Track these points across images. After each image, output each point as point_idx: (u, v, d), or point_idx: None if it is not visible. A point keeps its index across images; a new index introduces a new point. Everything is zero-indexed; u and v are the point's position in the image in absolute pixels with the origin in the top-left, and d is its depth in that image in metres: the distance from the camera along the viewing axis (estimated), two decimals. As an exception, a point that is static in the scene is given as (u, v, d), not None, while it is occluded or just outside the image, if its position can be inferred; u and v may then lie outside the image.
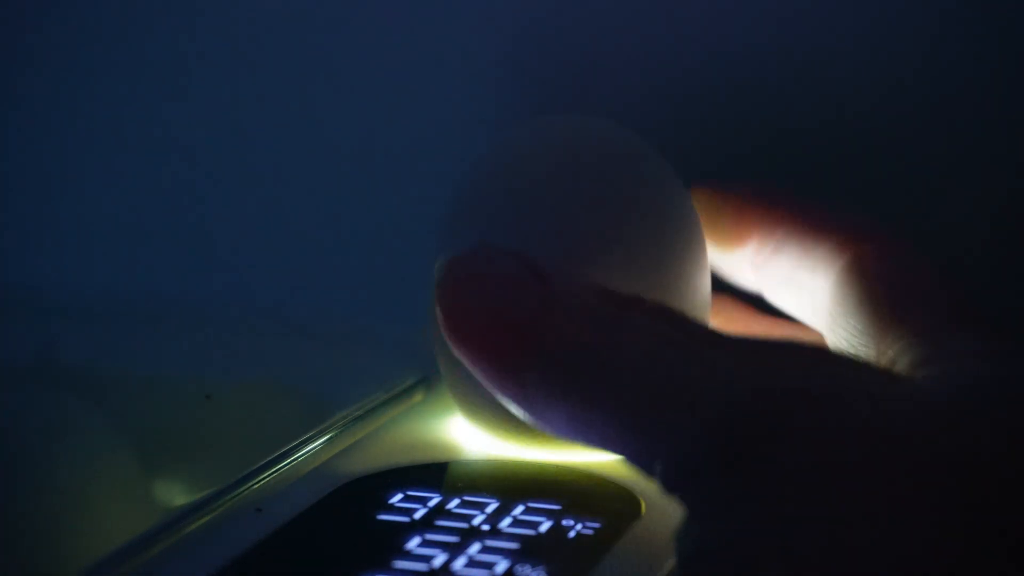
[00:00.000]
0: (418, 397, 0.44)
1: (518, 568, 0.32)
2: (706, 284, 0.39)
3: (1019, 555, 0.28)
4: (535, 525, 0.34)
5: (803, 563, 0.28)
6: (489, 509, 0.35)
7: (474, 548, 0.33)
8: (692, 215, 0.39)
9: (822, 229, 0.39)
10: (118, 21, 0.55)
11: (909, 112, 0.47)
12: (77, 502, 0.36)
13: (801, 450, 0.29)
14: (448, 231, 0.39)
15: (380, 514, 0.35)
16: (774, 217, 0.41)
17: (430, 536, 0.33)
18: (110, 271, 0.57)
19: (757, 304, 0.43)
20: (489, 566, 0.32)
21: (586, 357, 0.32)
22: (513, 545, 0.33)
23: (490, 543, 0.33)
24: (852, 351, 0.36)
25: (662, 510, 0.35)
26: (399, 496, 0.36)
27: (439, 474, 0.38)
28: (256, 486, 0.37)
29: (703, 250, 0.39)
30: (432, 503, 0.35)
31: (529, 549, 0.33)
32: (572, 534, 0.34)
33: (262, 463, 0.38)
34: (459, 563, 0.32)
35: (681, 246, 0.38)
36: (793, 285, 0.40)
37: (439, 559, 0.32)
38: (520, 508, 0.35)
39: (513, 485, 0.36)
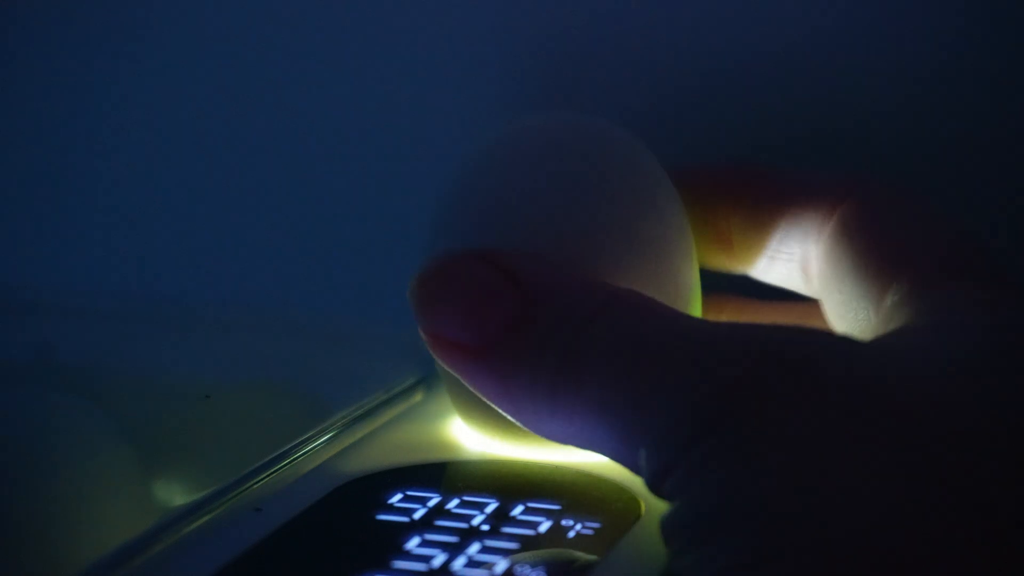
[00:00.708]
0: (418, 397, 0.44)
1: (518, 568, 0.32)
2: (694, 273, 0.39)
3: (998, 512, 0.28)
4: (535, 525, 0.34)
5: (789, 523, 0.28)
6: (489, 509, 0.35)
7: (474, 548, 0.33)
8: (678, 205, 0.39)
9: (805, 195, 0.39)
10: (117, 21, 0.55)
11: (908, 111, 0.47)
12: (77, 502, 0.36)
13: (780, 414, 0.29)
14: (435, 229, 0.39)
15: (380, 514, 0.35)
16: (755, 190, 0.40)
17: (430, 536, 0.33)
18: (110, 271, 0.57)
19: (750, 292, 0.43)
20: (489, 566, 0.32)
21: (566, 354, 0.32)
22: (513, 545, 0.33)
23: (490, 543, 0.33)
24: (852, 314, 0.36)
25: (662, 510, 0.35)
26: (399, 496, 0.36)
27: (439, 474, 0.38)
28: (256, 486, 0.37)
29: (690, 240, 0.39)
30: (432, 503, 0.35)
31: (529, 549, 0.33)
32: (572, 534, 0.34)
33: (262, 463, 0.38)
34: (459, 563, 0.32)
35: (669, 236, 0.38)
36: (781, 257, 0.40)
37: (439, 559, 0.32)
38: (520, 508, 0.35)
39: (513, 485, 0.36)
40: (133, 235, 0.56)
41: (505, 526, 0.34)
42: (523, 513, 0.35)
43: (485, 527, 0.34)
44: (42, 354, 0.48)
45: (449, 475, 0.37)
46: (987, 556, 0.28)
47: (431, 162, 0.51)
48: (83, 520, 0.35)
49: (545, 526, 0.34)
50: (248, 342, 0.50)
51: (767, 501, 0.28)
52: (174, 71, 0.54)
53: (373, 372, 0.46)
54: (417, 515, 0.35)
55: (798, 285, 0.40)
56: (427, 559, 0.32)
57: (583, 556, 0.33)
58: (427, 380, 0.44)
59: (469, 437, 0.40)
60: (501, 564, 0.32)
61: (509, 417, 0.34)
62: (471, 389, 0.34)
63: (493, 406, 0.34)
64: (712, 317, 0.43)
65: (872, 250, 0.36)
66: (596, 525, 0.34)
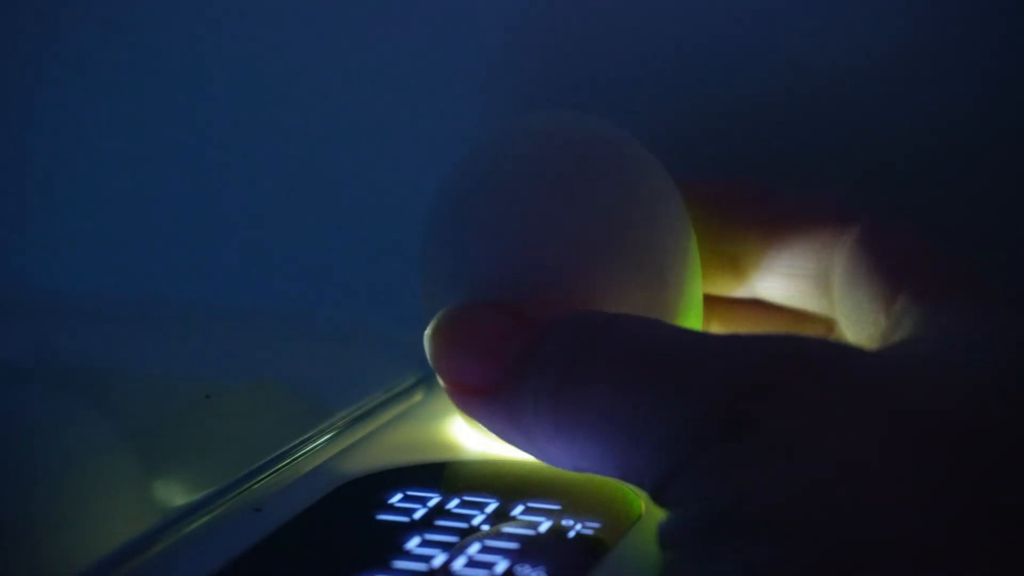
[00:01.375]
0: (418, 397, 0.44)
1: (518, 568, 0.32)
2: (697, 277, 0.39)
3: (1004, 517, 0.28)
4: (535, 525, 0.34)
5: (803, 520, 0.28)
6: (489, 509, 0.35)
7: (474, 548, 0.33)
8: (680, 208, 0.39)
9: (818, 213, 0.40)
10: (117, 21, 0.55)
11: (907, 109, 0.47)
12: (77, 502, 0.36)
13: (794, 420, 0.29)
14: (431, 231, 0.39)
15: (380, 514, 0.35)
16: (767, 208, 0.41)
17: (430, 536, 0.33)
18: (110, 271, 0.57)
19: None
20: (489, 566, 0.32)
21: (567, 370, 0.32)
22: (513, 545, 0.33)
23: (490, 543, 0.33)
24: (864, 318, 0.37)
25: (662, 510, 0.35)
26: (399, 496, 0.36)
27: (439, 474, 0.38)
28: (256, 486, 0.37)
29: (692, 241, 0.39)
30: (432, 503, 0.35)
31: (529, 549, 0.33)
32: (572, 534, 0.34)
33: (262, 463, 0.38)
34: (459, 563, 0.32)
35: (670, 238, 0.38)
36: (791, 273, 0.40)
37: (439, 559, 0.32)
38: (520, 508, 0.35)
39: (513, 485, 0.36)
40: (133, 235, 0.56)
41: (506, 526, 0.34)
42: (523, 513, 0.35)
43: (486, 527, 0.34)
44: (42, 354, 0.48)
45: (449, 475, 0.37)
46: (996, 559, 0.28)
47: (432, 163, 0.51)
48: (83, 520, 0.35)
49: (545, 526, 0.34)
50: (248, 342, 0.50)
51: (785, 507, 0.28)
52: (174, 72, 0.54)
53: (373, 372, 0.46)
54: (417, 515, 0.35)
55: (812, 301, 0.40)
56: (427, 559, 0.32)
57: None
58: (427, 380, 0.44)
59: (469, 437, 0.40)
60: (501, 564, 0.32)
61: (522, 450, 0.34)
62: (489, 431, 0.34)
63: (514, 446, 0.34)
64: (723, 326, 0.43)
65: (886, 262, 0.37)
66: (596, 525, 0.34)
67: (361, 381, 0.44)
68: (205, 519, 0.35)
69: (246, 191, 0.55)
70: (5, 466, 0.37)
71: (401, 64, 0.52)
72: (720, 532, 0.29)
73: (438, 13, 0.51)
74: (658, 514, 0.35)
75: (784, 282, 0.41)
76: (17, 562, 0.33)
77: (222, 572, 0.32)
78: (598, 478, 0.37)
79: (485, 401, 0.34)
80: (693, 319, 0.39)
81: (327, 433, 0.40)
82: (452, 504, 0.35)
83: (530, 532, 0.34)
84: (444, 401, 0.42)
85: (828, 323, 0.40)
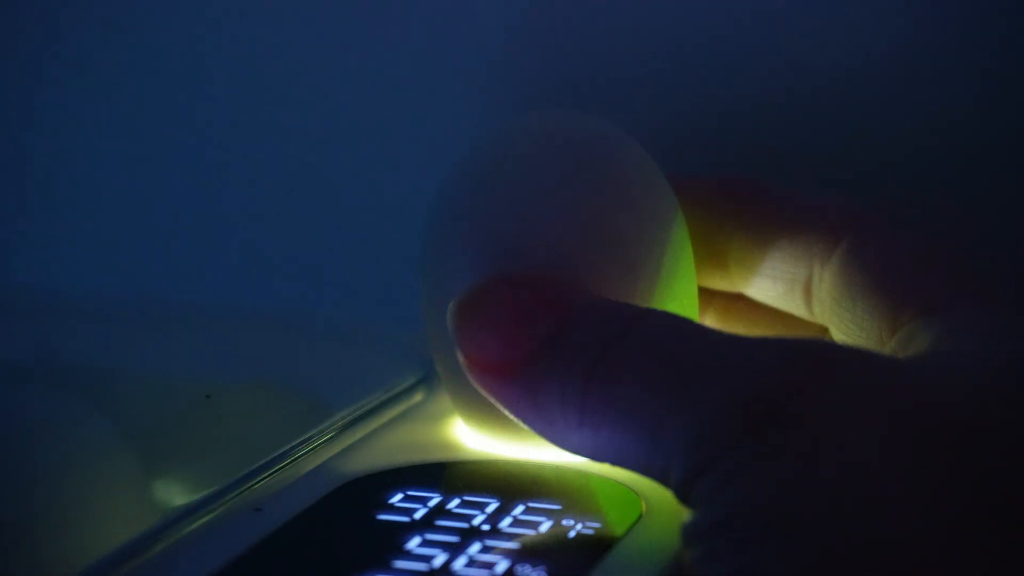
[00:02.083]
0: (418, 397, 0.44)
1: (518, 568, 0.32)
2: (692, 276, 0.39)
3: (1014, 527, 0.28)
4: (535, 525, 0.34)
5: (828, 520, 0.28)
6: (489, 509, 0.35)
7: (474, 548, 0.33)
8: (676, 209, 0.39)
9: (810, 215, 0.40)
10: (116, 22, 0.55)
11: (907, 109, 0.47)
12: (77, 502, 0.36)
13: (825, 411, 0.29)
14: (430, 231, 0.39)
15: (380, 514, 0.35)
16: (758, 207, 0.41)
17: (430, 536, 0.33)
18: (110, 271, 0.57)
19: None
20: (489, 566, 0.32)
21: (597, 362, 0.32)
22: (513, 545, 0.33)
23: (490, 543, 0.33)
24: (864, 335, 0.37)
25: (662, 510, 0.35)
26: (399, 496, 0.36)
27: (439, 474, 0.38)
28: (256, 486, 0.37)
29: (687, 241, 0.39)
30: (432, 503, 0.35)
31: (529, 549, 0.33)
32: (572, 534, 0.34)
33: (262, 463, 0.38)
34: (459, 563, 0.32)
35: (666, 239, 0.38)
36: (782, 278, 0.40)
37: (439, 559, 0.32)
38: (520, 508, 0.35)
39: (513, 485, 0.36)
40: (133, 235, 0.56)
41: (506, 526, 0.34)
42: (523, 513, 0.35)
43: (486, 527, 0.34)
44: (42, 354, 0.48)
45: (450, 475, 0.37)
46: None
47: (433, 163, 0.51)
48: (83, 520, 0.35)
49: (545, 526, 0.34)
50: (248, 342, 0.50)
51: (814, 506, 0.28)
52: (174, 72, 0.54)
53: (373, 372, 0.46)
54: (418, 515, 0.35)
55: (794, 306, 0.40)
56: (428, 559, 0.32)
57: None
58: (427, 380, 0.44)
59: (470, 437, 0.40)
60: (502, 564, 0.32)
61: (539, 435, 0.34)
62: (508, 414, 0.34)
63: (530, 430, 0.34)
64: (717, 321, 0.43)
65: (885, 273, 0.37)
66: (596, 525, 0.34)
67: (361, 381, 0.44)
68: (205, 519, 0.35)
69: (246, 191, 0.55)
70: (5, 466, 0.37)
71: (401, 64, 0.52)
72: (750, 531, 0.29)
73: (438, 13, 0.51)
74: (658, 514, 0.35)
75: (768, 284, 0.41)
76: (17, 562, 0.33)
77: (222, 572, 0.32)
78: (598, 479, 0.37)
79: (504, 380, 0.34)
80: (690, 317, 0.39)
81: (327, 433, 0.40)
82: (452, 504, 0.35)
83: (530, 532, 0.34)
84: (444, 401, 0.42)
85: (820, 328, 0.40)
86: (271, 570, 0.33)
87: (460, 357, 0.34)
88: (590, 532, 0.34)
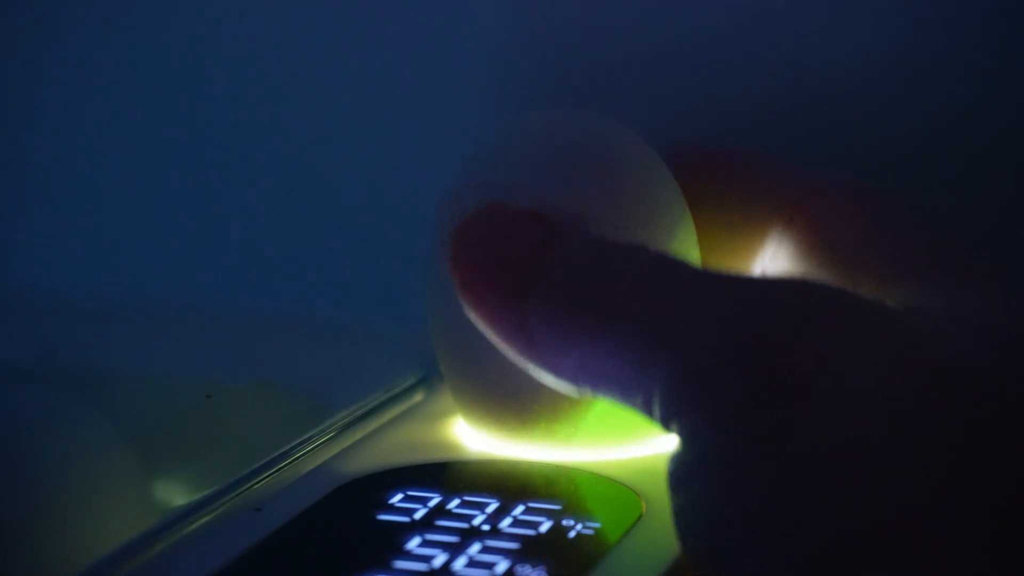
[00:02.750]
0: (418, 397, 0.44)
1: (518, 568, 0.32)
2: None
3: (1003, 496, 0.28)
4: (535, 525, 0.34)
5: (814, 470, 0.28)
6: (489, 509, 0.35)
7: (474, 548, 0.33)
8: (682, 205, 0.39)
9: (765, 187, 0.39)
10: (115, 21, 0.55)
11: (907, 109, 0.47)
12: (77, 502, 0.36)
13: (813, 359, 0.29)
14: (440, 228, 0.39)
15: (380, 514, 0.35)
16: (716, 176, 0.41)
17: (430, 536, 0.33)
18: (110, 271, 0.57)
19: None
20: (489, 566, 0.32)
21: (589, 288, 0.32)
22: (513, 545, 0.33)
23: (490, 543, 0.33)
24: None
25: (662, 510, 0.35)
26: (399, 496, 0.36)
27: (439, 474, 0.38)
28: (256, 486, 0.37)
29: (692, 233, 0.39)
30: (432, 503, 0.35)
31: (529, 549, 0.33)
32: (572, 534, 0.34)
33: (262, 463, 0.38)
34: (459, 563, 0.32)
35: (670, 236, 0.38)
36: (737, 249, 0.40)
37: (439, 559, 0.32)
38: (520, 508, 0.35)
39: (513, 485, 0.36)
40: (133, 235, 0.56)
41: (506, 526, 0.34)
42: (523, 513, 0.35)
43: (486, 527, 0.34)
44: (42, 354, 0.48)
45: (450, 475, 0.37)
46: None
47: (431, 162, 0.51)
48: (83, 520, 0.35)
49: (545, 526, 0.34)
50: (248, 342, 0.50)
51: (798, 450, 0.28)
52: (174, 72, 0.54)
53: (373, 372, 0.46)
54: (418, 515, 0.35)
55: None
56: (428, 559, 0.32)
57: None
58: (427, 380, 0.44)
59: (470, 437, 0.40)
60: (502, 564, 0.32)
61: (522, 358, 0.33)
62: (487, 331, 0.34)
63: (507, 348, 0.34)
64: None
65: (840, 248, 0.37)
66: (596, 525, 0.34)
67: (361, 381, 0.44)
68: (205, 519, 0.35)
69: (246, 191, 0.55)
70: (5, 466, 0.37)
71: (401, 64, 0.52)
72: (721, 473, 0.29)
73: (438, 13, 0.51)
74: (658, 514, 0.35)
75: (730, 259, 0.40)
76: (17, 562, 0.33)
77: (222, 572, 0.32)
78: (598, 479, 0.37)
79: (497, 306, 0.33)
80: None
81: (327, 433, 0.40)
82: (452, 504, 0.35)
83: (530, 532, 0.34)
84: (444, 401, 0.42)
85: None
86: (271, 570, 0.33)
87: (454, 283, 0.34)
88: (590, 532, 0.34)
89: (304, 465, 0.39)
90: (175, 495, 0.37)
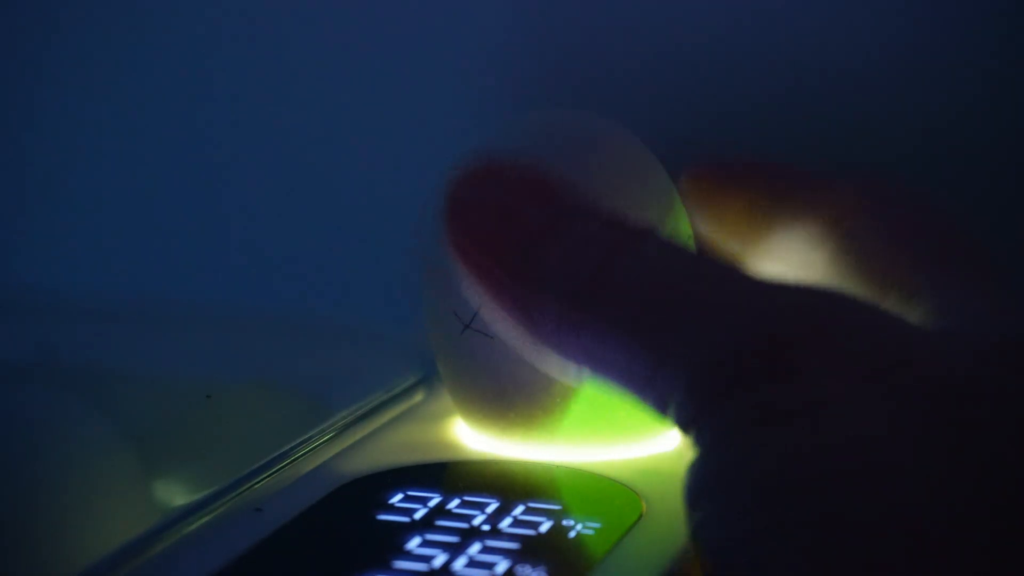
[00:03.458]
0: (418, 397, 0.44)
1: (518, 568, 0.32)
2: None
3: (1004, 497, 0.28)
4: (535, 525, 0.34)
5: (824, 479, 0.28)
6: (489, 509, 0.35)
7: (474, 548, 0.33)
8: (677, 203, 0.39)
9: (809, 196, 0.39)
10: (115, 21, 0.55)
11: (907, 109, 0.47)
12: (77, 502, 0.36)
13: (827, 365, 0.29)
14: (431, 233, 0.39)
15: (380, 514, 0.35)
16: (759, 190, 0.40)
17: (430, 536, 0.33)
18: (110, 271, 0.57)
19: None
20: (489, 566, 0.32)
21: (596, 274, 0.30)
22: (513, 545, 0.33)
23: (490, 543, 0.33)
24: None
25: (662, 510, 0.35)
26: (399, 496, 0.36)
27: (439, 474, 0.38)
28: (256, 486, 0.37)
29: (689, 234, 0.39)
30: (432, 503, 0.35)
31: (529, 549, 0.33)
32: (572, 534, 0.34)
33: (262, 463, 0.38)
34: (459, 563, 0.32)
35: (666, 231, 0.38)
36: (781, 257, 0.40)
37: (439, 559, 0.32)
38: (520, 508, 0.35)
39: (513, 485, 0.36)
40: (133, 235, 0.56)
41: (506, 526, 0.34)
42: (523, 513, 0.35)
43: (486, 527, 0.34)
44: (42, 354, 0.48)
45: (450, 475, 0.37)
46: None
47: (431, 162, 0.51)
48: (83, 520, 0.35)
49: (545, 526, 0.34)
50: (248, 342, 0.50)
51: (810, 459, 0.28)
52: (174, 72, 0.54)
53: (373, 372, 0.46)
54: (418, 515, 0.35)
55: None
56: (428, 559, 0.32)
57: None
58: (427, 380, 0.44)
59: (470, 437, 0.40)
60: (502, 564, 0.32)
61: (521, 341, 0.31)
62: (484, 309, 0.32)
63: (506, 330, 0.32)
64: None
65: (874, 254, 0.37)
66: (596, 525, 0.34)
67: (361, 381, 0.44)
68: (205, 519, 0.35)
69: (246, 191, 0.55)
70: (5, 466, 0.37)
71: (401, 64, 0.51)
72: (745, 488, 0.28)
73: (438, 13, 0.51)
74: (658, 514, 0.35)
75: (766, 265, 0.40)
76: (17, 562, 0.33)
77: (222, 572, 0.32)
78: (598, 479, 0.37)
79: (495, 280, 0.31)
80: None
81: (327, 433, 0.40)
82: (453, 504, 0.35)
83: (530, 532, 0.34)
84: (444, 401, 0.42)
85: None
86: (271, 570, 0.33)
87: (450, 249, 0.32)
88: (590, 532, 0.34)
89: (304, 465, 0.39)
90: (175, 495, 0.37)
